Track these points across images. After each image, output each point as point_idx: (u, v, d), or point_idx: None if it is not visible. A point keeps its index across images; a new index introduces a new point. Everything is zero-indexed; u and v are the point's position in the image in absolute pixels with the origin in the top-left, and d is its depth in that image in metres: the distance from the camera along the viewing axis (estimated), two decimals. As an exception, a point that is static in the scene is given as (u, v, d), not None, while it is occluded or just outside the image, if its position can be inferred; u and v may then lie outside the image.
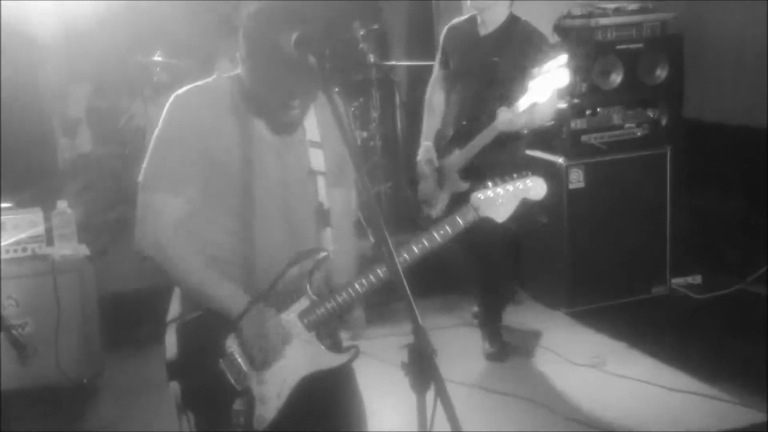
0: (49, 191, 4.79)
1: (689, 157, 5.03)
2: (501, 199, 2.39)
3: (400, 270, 2.05)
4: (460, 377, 4.00)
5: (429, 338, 2.08)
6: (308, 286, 2.34)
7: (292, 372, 2.33)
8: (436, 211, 4.27)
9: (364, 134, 5.78)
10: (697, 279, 5.04)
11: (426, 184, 4.34)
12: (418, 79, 6.21)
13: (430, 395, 2.05)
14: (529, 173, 2.44)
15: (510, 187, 2.41)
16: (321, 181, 2.44)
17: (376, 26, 5.69)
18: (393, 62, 5.93)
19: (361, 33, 5.57)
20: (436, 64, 4.42)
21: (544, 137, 5.04)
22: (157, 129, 2.34)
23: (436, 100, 4.38)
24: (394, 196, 6.04)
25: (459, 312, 4.93)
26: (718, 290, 4.85)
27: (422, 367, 2.05)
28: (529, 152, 5.17)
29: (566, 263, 4.87)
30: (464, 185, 4.10)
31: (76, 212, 4.17)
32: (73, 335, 4.01)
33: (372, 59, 5.55)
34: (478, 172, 3.98)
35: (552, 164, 4.90)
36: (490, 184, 2.40)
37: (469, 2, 4.14)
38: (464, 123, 4.16)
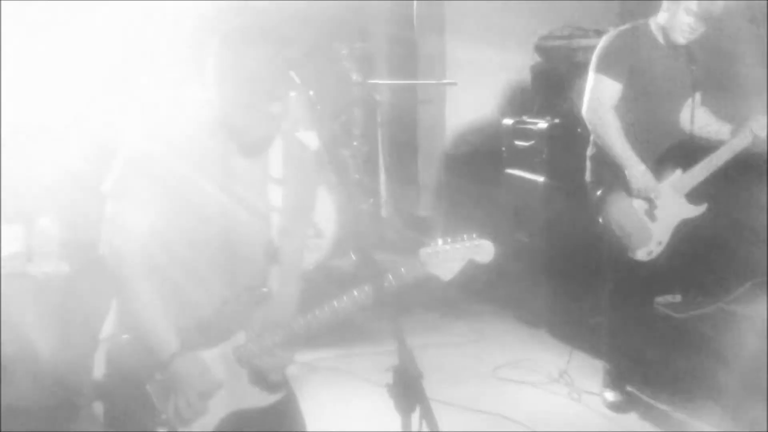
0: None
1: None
2: (448, 258, 2.44)
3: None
4: (449, 398, 4.00)
5: (414, 360, 2.10)
6: (246, 322, 2.34)
7: (217, 407, 2.30)
8: (656, 248, 3.84)
9: (346, 152, 5.79)
10: (677, 298, 5.06)
11: (633, 222, 3.82)
12: (400, 97, 6.28)
13: (416, 416, 2.06)
14: (477, 235, 2.47)
15: (458, 246, 2.43)
16: (275, 219, 2.39)
17: (358, 45, 5.72)
18: (375, 81, 5.95)
19: (344, 52, 5.59)
20: (600, 76, 3.84)
21: (523, 156, 5.10)
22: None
23: (613, 117, 3.81)
24: (375, 214, 6.06)
25: (444, 331, 4.94)
26: (698, 309, 4.87)
27: (407, 390, 2.06)
28: (510, 171, 5.25)
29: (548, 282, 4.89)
30: (698, 209, 3.87)
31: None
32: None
33: (355, 78, 5.57)
34: (712, 191, 3.83)
35: (533, 183, 4.93)
36: (440, 242, 2.43)
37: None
38: (673, 137, 3.88)
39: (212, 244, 2.31)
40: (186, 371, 2.23)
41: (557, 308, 4.88)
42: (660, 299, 4.87)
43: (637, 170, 3.75)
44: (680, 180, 3.83)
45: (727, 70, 4.22)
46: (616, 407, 3.99)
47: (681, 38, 3.74)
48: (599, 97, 3.81)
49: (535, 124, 5.06)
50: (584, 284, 4.54)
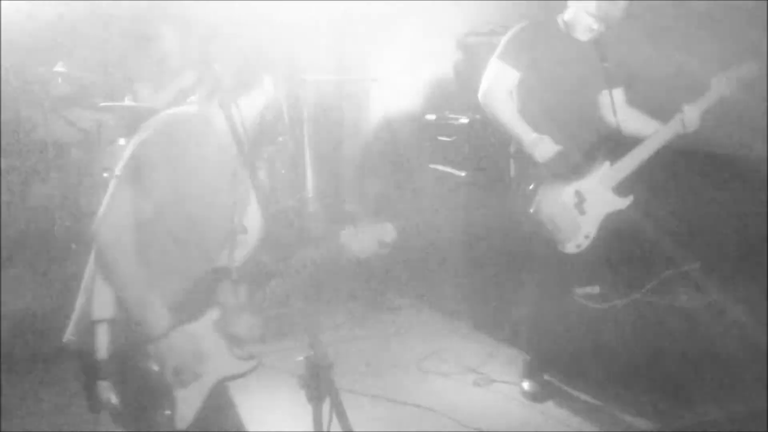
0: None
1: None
2: (361, 238, 2.79)
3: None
4: (372, 389, 4.04)
5: (326, 351, 2.13)
6: (220, 298, 2.54)
7: (207, 378, 2.45)
8: (584, 242, 3.90)
9: (272, 148, 5.77)
10: (596, 289, 5.17)
11: (564, 215, 3.87)
12: (325, 93, 6.28)
13: (327, 406, 2.08)
14: (382, 219, 2.84)
15: (368, 228, 2.81)
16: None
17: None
18: (300, 77, 5.94)
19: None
20: (499, 63, 3.94)
21: (446, 151, 5.16)
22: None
23: (506, 99, 3.93)
24: (302, 209, 6.04)
25: (369, 324, 4.98)
26: (616, 300, 4.99)
27: (318, 380, 2.09)
28: (433, 166, 5.31)
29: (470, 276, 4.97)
30: (624, 201, 3.93)
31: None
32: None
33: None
34: (640, 181, 3.88)
35: (455, 178, 5.00)
36: (353, 226, 2.77)
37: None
38: (594, 130, 3.96)
39: (194, 227, 2.51)
40: (180, 343, 2.37)
41: (479, 301, 4.96)
42: (579, 290, 4.98)
43: (529, 138, 3.82)
44: (608, 173, 3.90)
45: (648, 65, 4.31)
46: (532, 396, 4.07)
47: (582, 36, 3.87)
48: (495, 81, 3.93)
49: (457, 119, 5.13)
50: (504, 277, 4.62)
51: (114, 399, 2.31)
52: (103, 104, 5.09)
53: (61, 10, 5.61)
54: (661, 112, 3.98)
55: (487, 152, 4.92)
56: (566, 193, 3.86)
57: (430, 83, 6.20)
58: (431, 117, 5.40)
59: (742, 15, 4.61)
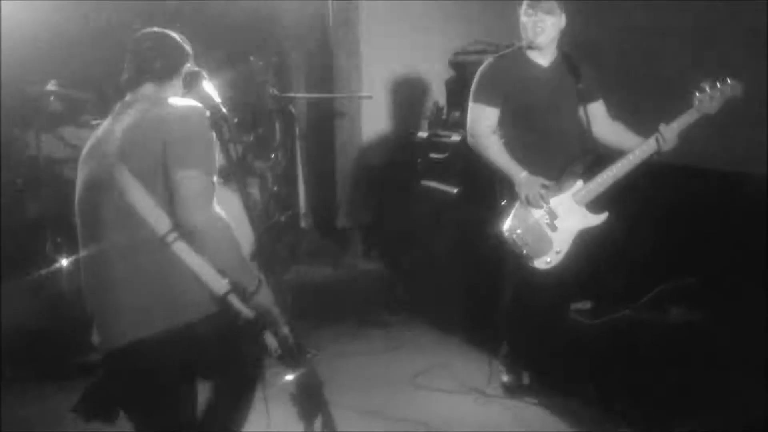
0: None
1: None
2: None
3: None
4: (366, 406, 4.04)
5: (316, 370, 2.14)
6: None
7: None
8: (555, 258, 3.94)
9: (264, 164, 5.79)
10: (587, 305, 5.19)
11: (534, 232, 3.93)
12: (317, 110, 6.32)
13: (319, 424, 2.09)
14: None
15: None
16: None
17: (274, 59, 5.73)
18: (292, 94, 5.98)
19: (260, 64, 5.60)
20: (477, 105, 4.05)
21: (438, 168, 5.19)
22: None
23: (491, 138, 4.02)
24: (293, 226, 6.07)
25: (362, 339, 5.01)
26: (607, 316, 5.01)
27: (310, 398, 2.10)
28: (425, 183, 5.34)
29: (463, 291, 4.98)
30: (598, 218, 3.98)
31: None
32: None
33: (271, 91, 5.58)
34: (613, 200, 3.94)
35: (448, 194, 5.03)
36: None
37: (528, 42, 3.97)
38: (566, 150, 4.00)
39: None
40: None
41: (472, 316, 4.96)
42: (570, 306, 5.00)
43: (519, 177, 3.91)
44: (581, 191, 3.95)
45: (618, 80, 4.36)
46: (509, 389, 4.20)
47: (542, 60, 3.99)
48: (477, 124, 4.03)
49: (449, 137, 5.16)
50: (497, 292, 4.63)
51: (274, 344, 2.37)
52: (95, 122, 5.10)
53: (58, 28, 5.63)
54: (645, 126, 4.01)
55: (478, 169, 4.93)
56: (538, 210, 3.93)
57: (421, 101, 6.25)
58: (423, 135, 5.43)
59: (729, 31, 4.69)
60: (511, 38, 4.32)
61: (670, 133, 3.86)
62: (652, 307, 4.92)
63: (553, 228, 3.94)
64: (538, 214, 3.94)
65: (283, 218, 5.79)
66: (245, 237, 5.06)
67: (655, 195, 4.95)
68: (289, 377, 2.13)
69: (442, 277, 5.14)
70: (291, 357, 2.31)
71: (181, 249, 2.45)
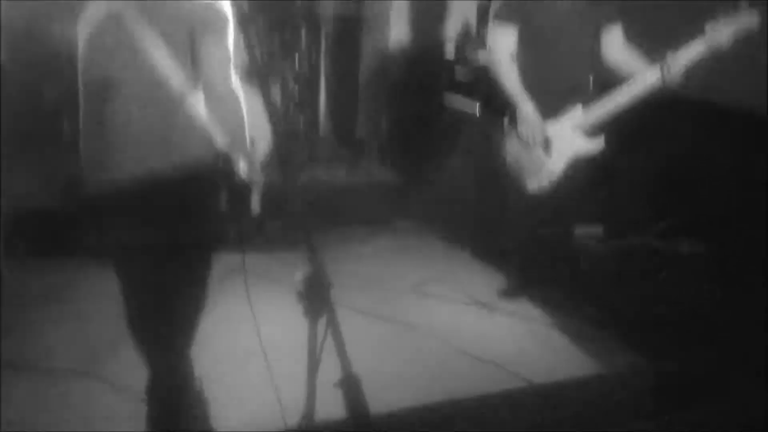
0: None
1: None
2: None
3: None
4: (366, 307, 4.11)
5: (325, 270, 2.18)
6: None
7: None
8: (542, 181, 4.03)
9: (286, 66, 5.75)
10: (599, 229, 5.21)
11: (529, 152, 4.02)
12: (345, 12, 6.20)
13: (323, 324, 2.15)
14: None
15: None
16: None
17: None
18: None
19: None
20: (498, 26, 4.06)
21: (464, 85, 5.15)
22: None
23: (508, 63, 4.03)
24: (312, 132, 6.06)
25: (370, 243, 5.06)
26: (618, 241, 5.04)
27: (316, 298, 2.15)
28: (448, 98, 5.31)
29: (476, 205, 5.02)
30: (593, 144, 4.01)
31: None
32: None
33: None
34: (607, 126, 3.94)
35: (471, 110, 5.02)
36: None
37: None
38: (572, 75, 4.00)
39: None
40: None
41: (482, 230, 5.00)
42: (579, 230, 5.03)
43: (523, 110, 3.95)
44: (579, 116, 3.96)
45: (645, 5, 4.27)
46: (505, 294, 4.34)
47: None
48: (496, 45, 4.04)
49: (477, 60, 5.11)
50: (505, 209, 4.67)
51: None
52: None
53: None
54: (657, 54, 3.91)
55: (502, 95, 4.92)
56: (539, 126, 3.97)
57: (453, 17, 6.12)
58: (450, 49, 5.37)
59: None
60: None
61: (675, 62, 3.72)
62: (662, 237, 4.96)
63: (548, 152, 3.98)
64: (539, 131, 3.98)
65: (301, 123, 5.78)
66: (263, 136, 5.10)
67: (672, 128, 4.94)
68: (299, 275, 2.17)
69: (457, 191, 5.16)
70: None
71: (195, 103, 2.67)
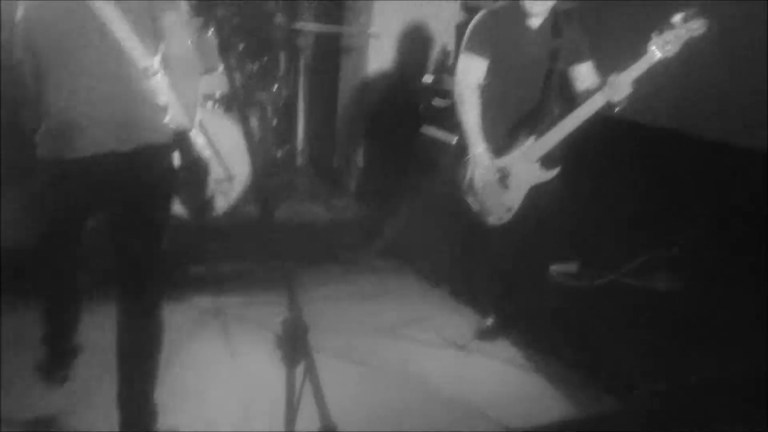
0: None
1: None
2: None
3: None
4: (344, 350, 4.05)
5: (303, 315, 2.13)
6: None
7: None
8: (506, 215, 4.04)
9: (265, 95, 5.71)
10: (573, 267, 5.20)
11: (488, 190, 4.01)
12: (324, 44, 6.21)
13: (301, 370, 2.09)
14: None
15: None
16: None
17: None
18: (300, 24, 5.86)
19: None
20: (467, 54, 4.04)
21: (441, 115, 5.13)
22: None
23: (472, 96, 4.02)
24: (290, 163, 6.03)
25: (348, 284, 5.00)
26: (594, 279, 5.02)
27: (294, 343, 2.09)
28: (426, 129, 5.29)
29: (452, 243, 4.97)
30: (549, 174, 3.99)
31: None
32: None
33: (279, 21, 5.48)
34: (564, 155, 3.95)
35: (448, 142, 5.00)
36: None
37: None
38: (530, 109, 3.99)
39: None
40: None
41: (460, 269, 4.96)
42: (555, 268, 5.02)
43: (475, 151, 3.97)
44: (532, 147, 3.97)
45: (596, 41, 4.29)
46: (482, 335, 4.31)
47: (534, 18, 3.94)
48: (465, 75, 4.02)
49: (454, 83, 5.07)
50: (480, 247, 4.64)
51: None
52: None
53: None
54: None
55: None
56: (489, 168, 3.98)
57: (430, 44, 6.14)
58: (428, 79, 5.35)
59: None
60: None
61: (616, 82, 3.72)
62: (637, 273, 4.95)
63: (505, 185, 4.00)
64: (490, 172, 3.99)
65: (279, 153, 5.74)
66: (243, 166, 5.07)
67: (644, 160, 4.96)
68: (278, 319, 2.11)
69: (435, 227, 5.12)
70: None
71: (158, 80, 2.75)
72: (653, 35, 3.67)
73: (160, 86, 2.74)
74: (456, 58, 5.42)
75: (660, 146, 4.85)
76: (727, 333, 4.07)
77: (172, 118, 2.78)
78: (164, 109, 2.77)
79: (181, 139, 2.80)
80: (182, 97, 2.80)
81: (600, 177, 4.99)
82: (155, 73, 2.73)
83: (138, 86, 2.75)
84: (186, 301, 4.51)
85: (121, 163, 2.77)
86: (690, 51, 3.69)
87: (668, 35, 3.64)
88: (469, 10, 5.49)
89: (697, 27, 3.64)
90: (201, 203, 2.94)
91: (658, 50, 3.66)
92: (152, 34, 2.77)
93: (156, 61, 2.75)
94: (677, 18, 3.65)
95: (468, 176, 4.05)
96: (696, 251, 4.67)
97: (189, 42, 2.83)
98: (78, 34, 2.72)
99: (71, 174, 2.78)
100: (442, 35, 5.98)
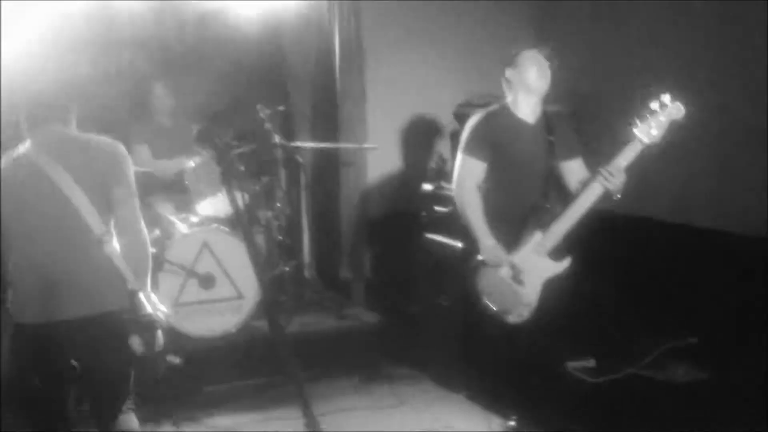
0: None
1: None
2: None
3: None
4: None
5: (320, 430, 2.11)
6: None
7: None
8: (525, 311, 4.04)
9: (269, 213, 5.78)
10: (591, 362, 5.14)
11: (504, 289, 4.06)
12: (323, 159, 6.32)
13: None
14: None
15: None
16: None
17: (281, 107, 5.74)
18: (298, 143, 5.98)
19: (267, 113, 5.61)
20: (466, 157, 4.16)
21: (442, 221, 5.17)
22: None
23: (474, 196, 4.14)
24: (297, 276, 6.04)
25: (364, 395, 4.98)
26: (611, 374, 4.96)
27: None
28: (429, 235, 5.32)
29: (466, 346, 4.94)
30: (560, 265, 4.03)
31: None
32: None
33: (278, 139, 5.59)
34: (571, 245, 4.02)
35: (452, 248, 5.01)
36: None
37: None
38: (532, 204, 4.07)
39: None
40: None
41: (476, 373, 4.91)
42: (573, 364, 4.96)
43: (485, 244, 4.04)
44: (540, 242, 4.02)
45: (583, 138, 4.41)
46: None
47: (528, 118, 4.11)
48: (464, 177, 4.16)
49: (453, 190, 5.13)
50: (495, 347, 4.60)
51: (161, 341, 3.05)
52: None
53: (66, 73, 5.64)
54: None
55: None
56: (503, 260, 4.04)
57: (427, 153, 6.26)
58: (428, 187, 5.42)
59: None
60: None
61: (612, 171, 3.84)
62: (656, 366, 4.89)
63: (520, 282, 4.03)
64: (504, 272, 4.04)
65: (287, 268, 5.76)
66: (251, 283, 5.09)
67: (654, 253, 4.98)
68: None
69: (447, 331, 5.09)
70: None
71: (112, 248, 2.99)
72: (637, 122, 3.80)
73: (114, 254, 2.98)
74: (451, 165, 5.55)
75: (669, 237, 4.90)
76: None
77: (128, 283, 3.00)
78: (121, 276, 2.99)
79: (134, 301, 3.00)
80: (132, 263, 3.03)
81: (613, 269, 5.01)
82: (109, 241, 2.98)
83: (96, 253, 2.98)
84: (202, 421, 4.48)
85: (87, 327, 2.98)
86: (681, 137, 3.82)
87: (650, 121, 3.78)
88: (461, 118, 5.60)
89: (675, 111, 3.78)
90: (155, 362, 3.07)
91: (643, 136, 3.78)
92: (106, 205, 3.02)
93: (109, 230, 3.01)
94: (655, 104, 3.78)
95: (482, 276, 4.09)
96: (714, 341, 4.64)
97: (137, 212, 3.09)
98: (39, 200, 2.98)
99: (41, 336, 2.99)
100: (437, 144, 6.11)
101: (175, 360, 3.07)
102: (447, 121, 5.94)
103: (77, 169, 2.99)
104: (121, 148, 3.14)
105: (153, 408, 4.48)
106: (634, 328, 5.04)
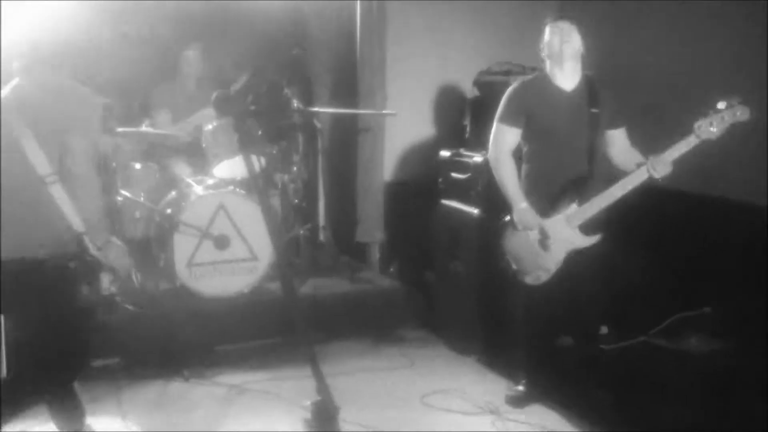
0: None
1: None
2: None
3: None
4: (374, 423, 4.03)
5: (331, 396, 2.15)
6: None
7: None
8: (543, 275, 4.14)
9: (286, 177, 5.80)
10: (603, 330, 5.16)
11: (528, 249, 4.15)
12: (341, 125, 6.33)
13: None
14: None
15: None
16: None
17: (301, 73, 5.74)
18: (317, 108, 5.98)
19: (286, 78, 5.61)
20: (501, 125, 4.23)
21: (459, 188, 5.19)
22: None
23: (509, 160, 4.22)
24: (312, 240, 6.07)
25: (376, 356, 5.03)
26: (623, 341, 4.99)
27: (323, 425, 2.11)
28: (445, 202, 5.34)
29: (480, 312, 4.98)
30: (590, 240, 4.08)
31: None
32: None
33: (296, 105, 5.60)
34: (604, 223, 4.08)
35: (468, 214, 5.03)
36: None
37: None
38: (573, 174, 4.10)
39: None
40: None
41: (488, 337, 4.96)
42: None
43: (518, 206, 4.12)
44: (574, 213, 4.07)
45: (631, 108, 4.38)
46: (513, 401, 4.33)
47: (566, 85, 4.13)
48: (499, 142, 4.23)
49: (471, 157, 5.15)
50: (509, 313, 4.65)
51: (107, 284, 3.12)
52: (120, 129, 5.14)
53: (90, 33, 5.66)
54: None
55: (499, 190, 4.94)
56: (534, 223, 4.12)
57: (445, 120, 6.25)
58: (445, 153, 5.42)
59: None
60: (536, 61, 4.38)
61: (657, 162, 3.88)
62: (668, 335, 4.91)
63: (545, 247, 4.11)
64: (532, 233, 4.12)
65: (302, 231, 5.80)
66: (266, 246, 5.14)
67: (671, 223, 4.96)
68: (307, 402, 2.13)
69: (461, 296, 5.13)
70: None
71: (56, 190, 3.03)
72: (699, 118, 3.81)
73: (59, 196, 3.03)
74: (471, 133, 5.55)
75: (688, 208, 4.89)
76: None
77: (73, 225, 3.05)
78: (64, 218, 3.05)
79: (79, 244, 3.07)
80: (82, 209, 3.08)
81: (636, 242, 5.01)
82: (53, 183, 3.03)
83: (41, 194, 3.04)
84: (212, 378, 4.56)
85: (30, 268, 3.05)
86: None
87: (713, 118, 3.80)
88: (482, 86, 5.59)
89: (741, 113, 3.80)
90: (97, 301, 3.18)
91: (702, 132, 3.80)
92: (57, 149, 3.08)
93: (53, 172, 3.04)
94: (722, 104, 3.81)
95: (509, 235, 4.19)
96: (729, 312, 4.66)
97: (89, 162, 3.16)
98: None
99: None
100: (456, 111, 6.09)
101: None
102: (467, 88, 5.91)
103: (31, 111, 3.07)
104: (80, 90, 3.24)
105: (164, 364, 4.59)
106: (650, 299, 5.06)
